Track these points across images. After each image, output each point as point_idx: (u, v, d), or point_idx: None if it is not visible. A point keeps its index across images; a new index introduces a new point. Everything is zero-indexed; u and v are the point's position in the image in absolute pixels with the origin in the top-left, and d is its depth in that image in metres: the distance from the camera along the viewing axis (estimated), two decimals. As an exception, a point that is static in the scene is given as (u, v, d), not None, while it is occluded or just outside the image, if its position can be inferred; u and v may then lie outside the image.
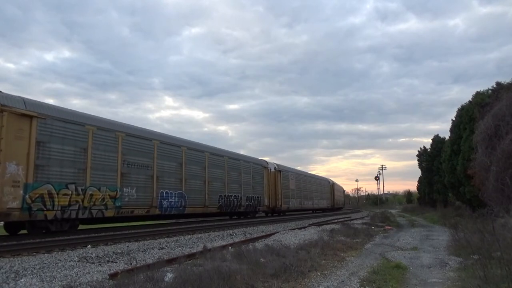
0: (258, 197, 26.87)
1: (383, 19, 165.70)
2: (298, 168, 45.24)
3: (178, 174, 18.33)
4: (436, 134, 50.42)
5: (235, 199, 23.67)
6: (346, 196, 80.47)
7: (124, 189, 14.82)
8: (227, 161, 23.34)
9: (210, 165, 21.26)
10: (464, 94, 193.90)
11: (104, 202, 13.89)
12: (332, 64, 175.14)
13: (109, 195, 14.10)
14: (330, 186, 50.63)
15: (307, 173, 42.95)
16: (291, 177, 33.65)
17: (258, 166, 27.88)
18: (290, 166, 36.53)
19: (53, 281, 5.75)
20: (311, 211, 41.71)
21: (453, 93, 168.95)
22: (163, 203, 16.98)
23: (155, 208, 16.41)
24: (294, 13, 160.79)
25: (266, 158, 32.38)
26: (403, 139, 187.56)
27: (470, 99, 22.98)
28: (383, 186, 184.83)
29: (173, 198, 17.73)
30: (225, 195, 22.45)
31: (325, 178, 51.22)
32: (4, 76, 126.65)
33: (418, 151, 46.01)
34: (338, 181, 68.29)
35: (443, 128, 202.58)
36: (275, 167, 30.45)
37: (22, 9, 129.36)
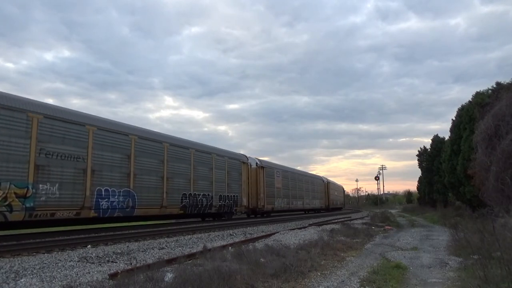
0: (234, 196, 23.40)
1: (384, 18, 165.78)
2: (298, 168, 43.17)
3: (124, 168, 15.20)
4: (436, 134, 50.49)
5: (204, 199, 20.21)
6: (346, 196, 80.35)
7: (40, 185, 11.89)
8: (194, 154, 19.79)
9: (171, 158, 17.92)
10: (465, 93, 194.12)
11: (7, 203, 10.94)
12: (332, 64, 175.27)
13: (15, 193, 11.16)
14: (324, 185, 46.96)
15: (296, 170, 38.62)
16: (277, 174, 30.50)
17: (235, 161, 24.18)
18: (277, 163, 33.83)
19: (53, 281, 5.75)
20: (303, 212, 39.23)
21: (453, 93, 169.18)
22: (101, 203, 14.04)
23: (89, 209, 13.54)
24: (294, 12, 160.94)
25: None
26: (404, 139, 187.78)
27: (470, 99, 22.99)
28: (383, 186, 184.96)
29: (116, 197, 14.71)
30: (190, 194, 19.08)
31: (319, 176, 47.30)
32: (3, 76, 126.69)
33: (418, 151, 46.05)
34: (338, 181, 65.56)
35: (444, 128, 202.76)
36: (257, 163, 27.15)
37: (21, 8, 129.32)
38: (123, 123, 16.53)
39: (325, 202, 45.88)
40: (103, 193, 14.21)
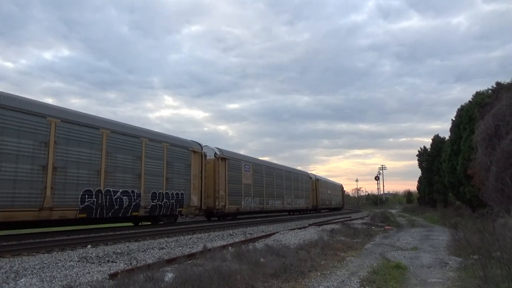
0: (178, 194, 18.08)
1: (386, 16, 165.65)
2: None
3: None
4: (436, 134, 50.51)
5: (125, 197, 14.90)
6: (346, 196, 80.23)
7: None
8: (109, 137, 14.41)
9: (63, 141, 12.75)
10: (466, 93, 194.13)
11: None
12: (333, 63, 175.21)
13: None
14: (311, 182, 40.62)
15: (274, 164, 32.80)
16: (246, 167, 25.10)
17: (181, 149, 18.68)
18: (252, 156, 28.82)
19: (53, 281, 5.75)
20: (287, 213, 34.82)
21: (454, 92, 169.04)
22: None
23: None
24: (295, 10, 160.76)
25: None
26: (404, 139, 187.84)
27: (470, 99, 23.02)
28: (383, 186, 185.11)
29: None
30: (99, 191, 13.82)
31: (304, 172, 40.75)
32: (2, 75, 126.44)
33: (418, 151, 46.12)
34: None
35: (444, 128, 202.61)
36: (215, 153, 21.93)
37: (19, 6, 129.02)
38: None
39: (312, 202, 40.08)
40: None
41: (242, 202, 24.20)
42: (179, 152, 18.62)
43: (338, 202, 55.00)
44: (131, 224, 17.74)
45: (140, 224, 17.86)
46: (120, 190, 14.83)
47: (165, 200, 17.25)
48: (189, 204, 18.90)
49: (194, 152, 19.71)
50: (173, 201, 17.81)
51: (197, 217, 21.29)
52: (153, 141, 16.92)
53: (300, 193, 36.22)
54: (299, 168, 41.12)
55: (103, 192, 14.03)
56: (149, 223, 17.81)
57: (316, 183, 42.39)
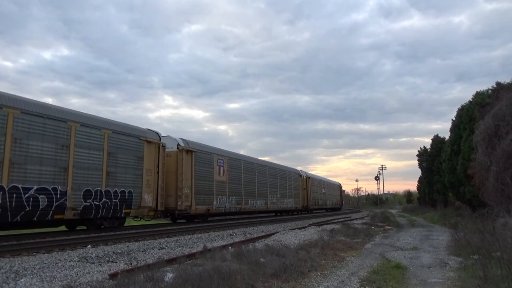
0: (125, 192, 14.95)
1: (387, 15, 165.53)
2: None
3: None
4: (436, 134, 50.54)
5: (43, 197, 11.90)
6: (346, 196, 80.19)
7: None
8: (17, 119, 11.53)
9: None
10: (467, 92, 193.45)
11: None
12: (334, 62, 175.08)
13: None
14: (301, 180, 37.25)
15: (256, 159, 29.31)
16: (220, 162, 21.93)
17: (130, 139, 15.51)
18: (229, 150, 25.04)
19: (53, 281, 5.76)
20: (274, 214, 31.98)
21: (455, 92, 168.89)
22: None
23: None
24: (296, 9, 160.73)
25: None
26: (405, 139, 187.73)
27: (471, 99, 23.04)
28: (383, 186, 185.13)
29: None
30: (1, 188, 10.89)
31: (293, 169, 36.99)
32: (2, 75, 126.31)
33: (418, 151, 46.11)
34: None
35: (445, 128, 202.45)
36: (178, 144, 18.80)
37: (19, 5, 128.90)
38: None
39: (302, 202, 36.79)
40: None
41: (214, 202, 20.87)
42: (127, 141, 15.31)
43: (335, 202, 51.62)
44: (130, 224, 17.62)
45: (76, 228, 14.83)
46: (35, 187, 11.76)
47: (105, 199, 14.03)
48: (139, 204, 15.55)
49: (148, 142, 16.36)
50: (117, 200, 14.56)
51: (158, 219, 18.96)
52: (88, 127, 13.63)
53: (288, 192, 32.98)
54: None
55: (6, 189, 10.93)
56: (90, 226, 14.40)
57: (307, 181, 38.76)
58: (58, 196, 12.41)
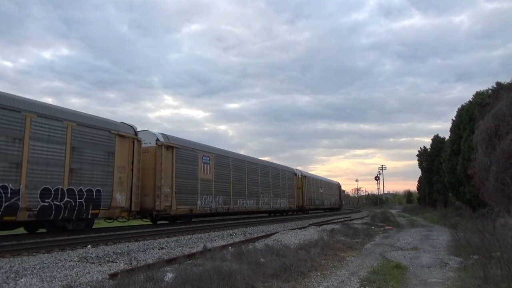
0: (93, 191, 13.51)
1: (387, 15, 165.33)
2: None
3: None
4: (436, 134, 50.53)
5: None
6: (346, 196, 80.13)
7: None
8: None
9: None
10: (467, 92, 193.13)
11: None
12: (334, 62, 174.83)
13: None
14: (296, 179, 35.66)
15: (245, 156, 27.80)
16: (205, 159, 20.50)
17: (99, 132, 14.09)
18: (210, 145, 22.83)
19: (53, 281, 5.76)
20: (267, 214, 30.34)
21: (455, 92, 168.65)
22: None
23: None
24: (296, 9, 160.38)
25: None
26: (405, 139, 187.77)
27: (471, 99, 23.04)
28: (383, 186, 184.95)
29: None
30: None
31: (288, 168, 35.33)
32: (1, 75, 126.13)
33: (418, 151, 46.16)
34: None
35: (445, 128, 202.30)
36: (157, 139, 17.29)
37: (19, 5, 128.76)
38: None
39: (297, 202, 35.28)
40: None
41: (198, 202, 19.40)
42: (95, 135, 13.89)
43: (333, 202, 50.09)
44: (130, 224, 17.63)
45: (38, 231, 13.27)
46: None
47: (67, 199, 12.57)
48: (110, 205, 14.12)
49: (121, 136, 14.89)
50: (82, 200, 13.08)
51: (136, 220, 17.54)
52: (47, 118, 12.24)
53: (281, 191, 31.51)
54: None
55: None
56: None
57: (303, 180, 37.23)
58: (9, 195, 10.94)
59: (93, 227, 14.93)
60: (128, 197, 15.02)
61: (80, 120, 13.46)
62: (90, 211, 13.44)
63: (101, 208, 13.88)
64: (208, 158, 20.98)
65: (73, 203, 12.76)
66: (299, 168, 39.19)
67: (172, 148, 17.92)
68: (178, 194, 17.89)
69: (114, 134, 14.71)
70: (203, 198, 19.96)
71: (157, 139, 17.31)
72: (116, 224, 16.59)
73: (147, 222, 18.57)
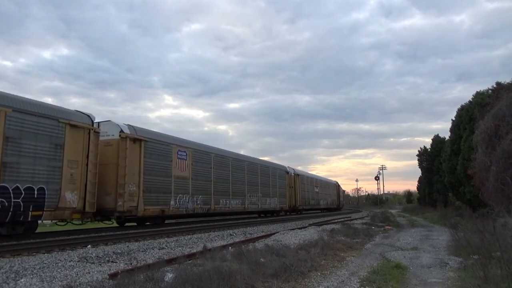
0: (34, 190, 11.45)
1: (388, 15, 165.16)
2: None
3: None
4: (436, 134, 50.52)
5: None
6: (346, 196, 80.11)
7: None
8: None
9: None
10: (467, 92, 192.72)
11: None
12: (334, 62, 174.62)
13: None
14: (289, 178, 33.55)
15: (231, 152, 25.39)
16: (180, 154, 18.55)
17: (43, 121, 12.01)
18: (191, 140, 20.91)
19: (53, 281, 5.76)
20: (256, 215, 28.52)
21: (456, 92, 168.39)
22: None
23: None
24: (296, 8, 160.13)
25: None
26: (405, 139, 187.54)
27: (470, 99, 23.05)
28: (383, 186, 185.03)
29: None
30: None
31: (279, 165, 33.04)
32: (1, 75, 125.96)
33: (418, 151, 46.16)
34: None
35: (446, 128, 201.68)
36: (122, 131, 15.26)
37: (18, 5, 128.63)
38: None
39: (290, 202, 33.31)
40: None
41: (171, 202, 17.29)
42: (38, 124, 11.82)
43: (330, 202, 48.03)
44: (131, 224, 17.60)
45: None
46: None
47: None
48: (57, 205, 12.08)
49: (73, 126, 12.81)
50: (19, 200, 11.03)
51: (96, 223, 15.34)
52: None
53: (271, 190, 29.38)
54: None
55: None
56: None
57: (296, 178, 35.07)
58: None
59: (93, 227, 14.85)
60: (81, 196, 12.90)
61: (17, 106, 11.24)
62: (30, 213, 11.30)
63: (45, 209, 11.77)
64: (185, 154, 18.86)
65: (6, 204, 10.64)
66: (299, 167, 38.81)
67: (140, 141, 15.89)
68: (147, 193, 15.89)
69: (64, 124, 12.56)
70: (178, 198, 17.88)
71: (121, 131, 15.27)
72: (115, 224, 16.40)
73: (109, 224, 16.04)
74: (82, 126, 13.21)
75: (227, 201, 22.51)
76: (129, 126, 15.98)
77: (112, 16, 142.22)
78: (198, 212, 19.72)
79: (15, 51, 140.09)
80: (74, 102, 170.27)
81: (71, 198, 12.61)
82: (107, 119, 15.78)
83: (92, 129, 13.61)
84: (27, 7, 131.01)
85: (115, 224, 16.38)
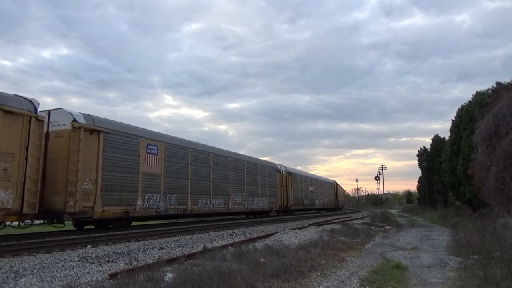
0: None
1: (388, 14, 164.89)
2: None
3: None
4: (436, 134, 50.51)
5: None
6: (346, 196, 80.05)
7: None
8: None
9: None
10: (468, 92, 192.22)
11: None
12: (334, 62, 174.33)
13: None
14: (280, 176, 31.47)
15: (212, 147, 22.78)
16: (151, 148, 16.51)
17: None
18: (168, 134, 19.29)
19: (53, 281, 5.76)
20: (245, 216, 26.97)
21: (456, 92, 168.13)
22: None
23: None
24: (296, 7, 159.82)
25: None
26: (405, 139, 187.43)
27: (471, 99, 23.05)
28: (383, 186, 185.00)
29: None
30: None
31: (269, 163, 31.25)
32: (1, 74, 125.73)
33: (418, 151, 46.13)
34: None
35: (446, 128, 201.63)
36: (74, 120, 13.19)
37: (18, 4, 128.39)
38: None
39: (280, 201, 31.16)
40: None
41: (138, 202, 15.38)
42: None
43: (327, 202, 46.04)
44: (131, 224, 17.54)
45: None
46: None
47: None
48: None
49: (8, 113, 10.70)
50: None
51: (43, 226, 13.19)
52: None
53: (260, 189, 27.24)
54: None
55: None
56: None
57: (288, 177, 32.96)
58: None
59: (93, 227, 14.72)
60: (18, 195, 10.85)
61: None
62: None
63: None
64: (156, 148, 16.84)
65: None
66: (299, 167, 38.69)
67: (99, 132, 13.86)
68: (107, 191, 13.91)
69: (12, 114, 10.68)
70: (147, 197, 15.92)
71: (74, 120, 13.12)
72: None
73: (60, 227, 13.42)
74: (21, 112, 11.03)
75: (207, 201, 20.45)
76: (85, 115, 13.95)
77: (112, 15, 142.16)
78: (171, 213, 17.74)
79: (14, 51, 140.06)
80: (73, 102, 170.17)
81: (5, 197, 10.55)
82: (59, 107, 13.87)
83: (35, 117, 11.44)
84: (27, 7, 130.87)
85: (69, 227, 14.47)
